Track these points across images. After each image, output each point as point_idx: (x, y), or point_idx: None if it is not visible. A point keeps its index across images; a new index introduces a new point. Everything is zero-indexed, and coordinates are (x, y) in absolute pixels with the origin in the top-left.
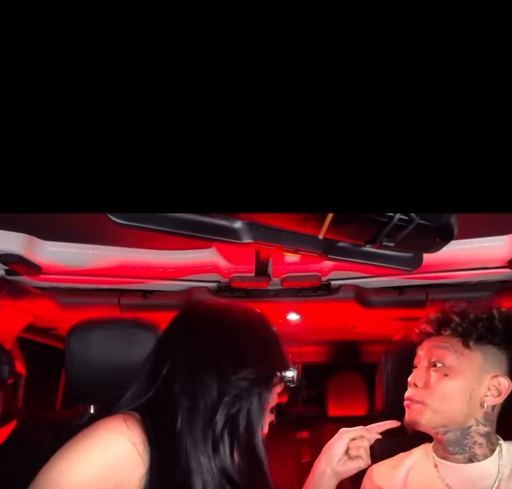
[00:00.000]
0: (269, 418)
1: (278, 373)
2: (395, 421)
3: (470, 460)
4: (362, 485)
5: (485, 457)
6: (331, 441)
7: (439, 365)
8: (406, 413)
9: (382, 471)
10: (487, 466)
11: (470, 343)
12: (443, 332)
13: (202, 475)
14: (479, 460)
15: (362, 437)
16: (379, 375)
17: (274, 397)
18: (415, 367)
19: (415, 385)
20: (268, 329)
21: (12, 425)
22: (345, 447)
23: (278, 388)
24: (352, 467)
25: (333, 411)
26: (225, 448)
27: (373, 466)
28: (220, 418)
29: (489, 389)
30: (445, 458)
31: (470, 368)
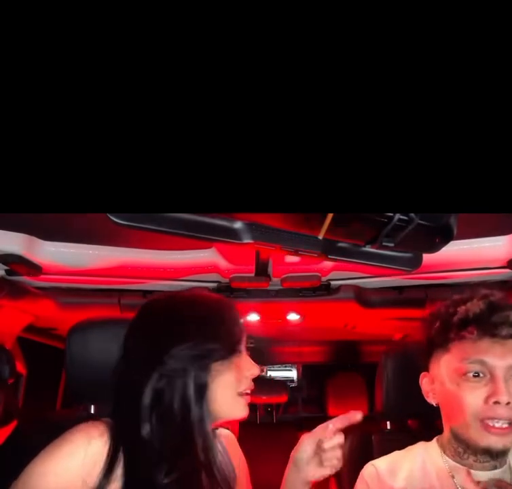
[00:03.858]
0: (231, 398)
1: (219, 353)
2: (355, 413)
3: (495, 467)
4: (356, 486)
5: (506, 462)
6: (296, 447)
7: None
8: (496, 438)
9: (375, 474)
10: (505, 470)
11: None
12: None
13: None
14: (502, 466)
15: (327, 438)
16: (379, 375)
17: (239, 380)
18: (483, 375)
19: (509, 403)
20: (215, 310)
21: (12, 425)
22: (311, 453)
23: (242, 370)
24: (323, 473)
25: (333, 411)
26: (153, 426)
27: (367, 465)
28: (147, 393)
29: None
30: (471, 467)
31: None
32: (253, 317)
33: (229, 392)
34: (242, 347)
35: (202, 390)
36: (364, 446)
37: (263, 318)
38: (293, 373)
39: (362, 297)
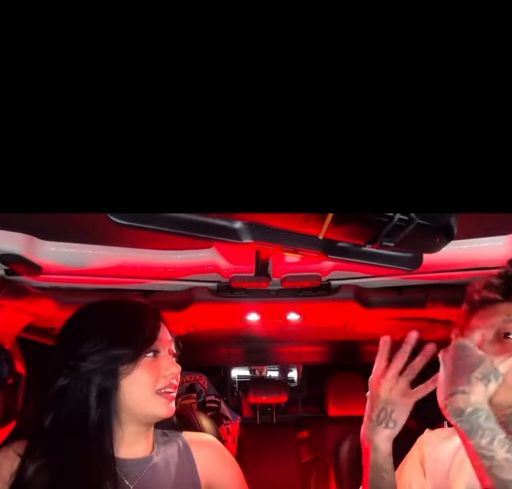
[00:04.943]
0: (147, 397)
1: (128, 357)
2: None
3: None
4: (410, 452)
5: None
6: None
7: None
8: None
9: (431, 439)
10: None
11: None
12: (509, 298)
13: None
14: None
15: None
16: None
17: (156, 379)
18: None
19: None
20: (127, 316)
21: (12, 425)
22: None
23: (160, 370)
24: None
25: (333, 411)
26: (51, 423)
27: (425, 433)
28: (51, 394)
29: None
30: None
31: None
32: (253, 317)
33: (144, 391)
34: (160, 348)
35: (106, 392)
36: None
37: (263, 318)
38: (293, 373)
39: (362, 297)
